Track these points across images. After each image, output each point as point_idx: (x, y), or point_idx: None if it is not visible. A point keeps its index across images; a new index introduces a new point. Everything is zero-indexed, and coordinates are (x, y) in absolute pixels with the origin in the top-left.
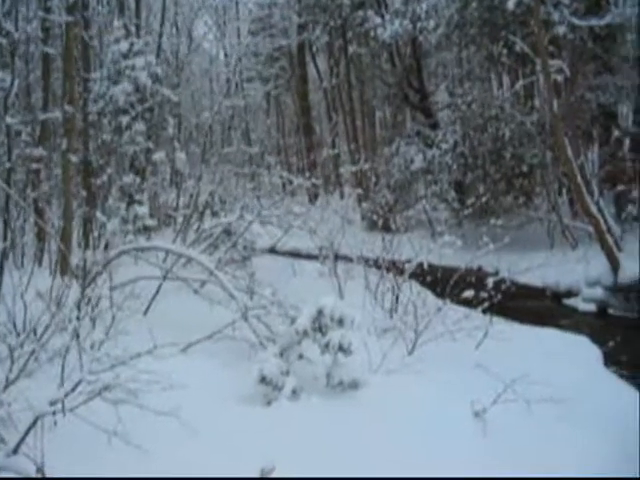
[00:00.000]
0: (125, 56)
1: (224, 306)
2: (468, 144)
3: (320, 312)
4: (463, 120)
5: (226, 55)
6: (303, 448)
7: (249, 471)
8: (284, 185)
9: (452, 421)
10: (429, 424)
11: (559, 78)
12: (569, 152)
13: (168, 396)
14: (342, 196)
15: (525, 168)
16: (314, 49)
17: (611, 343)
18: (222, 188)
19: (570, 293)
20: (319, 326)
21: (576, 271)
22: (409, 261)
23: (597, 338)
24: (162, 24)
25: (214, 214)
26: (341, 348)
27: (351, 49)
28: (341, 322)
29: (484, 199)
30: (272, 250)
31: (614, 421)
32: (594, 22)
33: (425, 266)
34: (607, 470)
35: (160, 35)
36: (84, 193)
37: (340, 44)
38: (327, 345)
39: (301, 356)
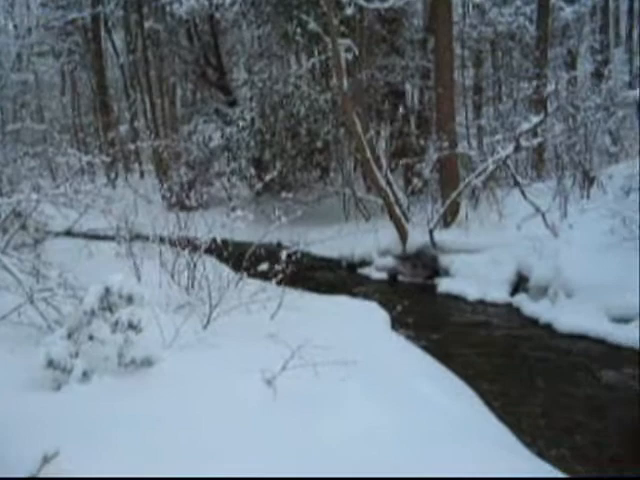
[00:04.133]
0: None
1: (11, 291)
2: (265, 121)
3: (108, 290)
4: (260, 97)
5: (15, 27)
6: (92, 429)
7: (31, 458)
8: (82, 165)
9: (244, 390)
10: (222, 394)
11: (349, 57)
12: (359, 128)
13: None
14: (142, 175)
15: (320, 144)
16: (109, 24)
17: (399, 307)
18: (11, 168)
19: (364, 263)
20: (108, 305)
21: (369, 242)
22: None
23: (387, 303)
24: None
25: (2, 195)
26: (131, 325)
27: (147, 24)
28: (130, 299)
29: (281, 174)
30: (68, 233)
31: (395, 378)
32: (377, 4)
33: (219, 241)
34: (381, 422)
35: None
36: None
37: (136, 19)
38: (116, 323)
39: (91, 337)
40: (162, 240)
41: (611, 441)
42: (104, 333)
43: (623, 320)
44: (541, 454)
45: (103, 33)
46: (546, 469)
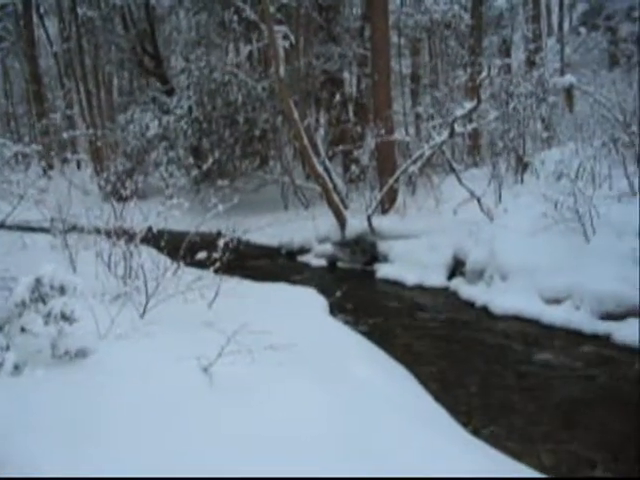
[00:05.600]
0: None
1: None
2: (203, 109)
3: (39, 281)
4: (197, 86)
5: None
6: (23, 423)
7: None
8: (16, 156)
9: (180, 378)
10: (158, 383)
11: (287, 45)
12: (296, 116)
13: None
14: (79, 166)
15: (258, 132)
16: (42, 10)
17: (338, 293)
18: None
19: (303, 250)
20: (39, 296)
21: (308, 229)
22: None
23: (326, 289)
24: None
25: None
26: (64, 317)
27: (81, 11)
28: (62, 290)
29: (220, 163)
30: (2, 225)
31: (331, 362)
32: None
33: (155, 230)
34: (315, 405)
35: None
36: None
37: (69, 5)
38: (49, 315)
39: (23, 329)
40: (98, 231)
41: (544, 418)
42: (37, 325)
43: (555, 301)
44: (476, 433)
45: (35, 20)
46: (479, 446)
